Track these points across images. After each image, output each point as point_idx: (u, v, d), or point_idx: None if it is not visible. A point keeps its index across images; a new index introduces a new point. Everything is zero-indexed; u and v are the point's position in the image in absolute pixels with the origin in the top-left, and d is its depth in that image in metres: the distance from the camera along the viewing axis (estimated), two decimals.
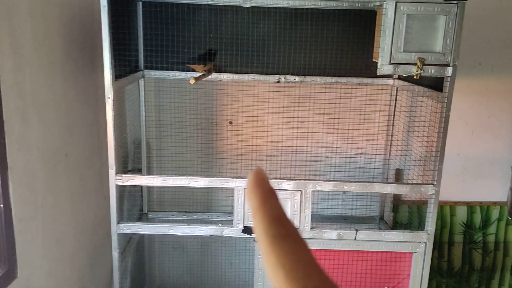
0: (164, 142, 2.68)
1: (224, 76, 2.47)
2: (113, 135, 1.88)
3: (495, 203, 2.86)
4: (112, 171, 1.93)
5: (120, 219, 2.04)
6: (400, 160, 2.69)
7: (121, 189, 2.18)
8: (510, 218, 2.16)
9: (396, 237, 2.05)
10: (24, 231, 1.57)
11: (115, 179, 1.94)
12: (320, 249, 2.09)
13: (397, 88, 2.56)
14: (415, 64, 1.86)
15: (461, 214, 2.88)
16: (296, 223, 2.03)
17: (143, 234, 2.74)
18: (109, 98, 1.87)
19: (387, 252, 2.09)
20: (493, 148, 2.81)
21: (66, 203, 1.89)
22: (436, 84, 2.01)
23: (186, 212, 2.72)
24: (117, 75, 1.95)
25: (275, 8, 2.39)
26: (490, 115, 2.77)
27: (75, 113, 1.98)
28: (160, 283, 2.89)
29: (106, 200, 2.31)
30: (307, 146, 2.69)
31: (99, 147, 2.25)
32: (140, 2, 2.36)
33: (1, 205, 1.45)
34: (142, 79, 2.48)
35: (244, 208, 2.02)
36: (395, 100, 2.59)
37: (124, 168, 2.52)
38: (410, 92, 2.40)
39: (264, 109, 2.64)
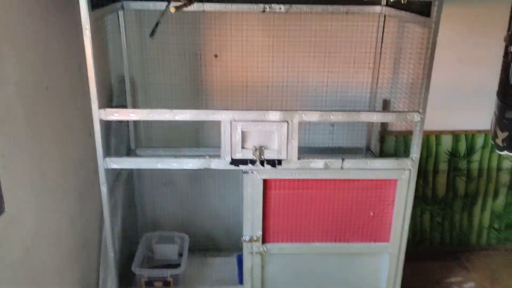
0: (149, 78, 2.62)
1: (207, 6, 2.37)
2: (93, 67, 1.83)
3: (479, 131, 2.90)
4: (95, 105, 1.90)
5: (107, 154, 2.03)
6: (388, 90, 2.68)
7: (107, 124, 2.16)
8: (493, 143, 2.20)
9: (381, 165, 2.09)
10: (8, 166, 1.56)
11: (99, 114, 1.91)
12: (308, 179, 2.13)
13: (385, 16, 2.50)
14: None
15: (446, 143, 2.92)
16: (284, 154, 2.05)
17: (132, 170, 2.76)
18: (86, 29, 1.79)
19: (372, 180, 2.13)
20: (479, 77, 2.80)
21: (49, 138, 1.87)
22: (423, 10, 1.96)
23: (174, 147, 2.72)
24: (94, 5, 1.86)
25: None
26: (477, 43, 2.73)
27: (53, 46, 1.91)
28: (152, 218, 2.95)
29: (91, 136, 2.30)
30: (294, 79, 2.65)
31: (82, 82, 2.19)
32: None
33: None
34: (122, 10, 2.38)
35: (231, 140, 2.02)
36: (383, 28, 2.53)
37: (108, 104, 2.49)
38: (398, 19, 2.34)
39: (251, 41, 2.57)
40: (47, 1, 1.86)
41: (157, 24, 1.96)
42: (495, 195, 3.08)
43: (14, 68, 1.59)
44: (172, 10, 1.84)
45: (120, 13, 2.39)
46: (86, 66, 1.86)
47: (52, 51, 1.90)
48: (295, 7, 2.40)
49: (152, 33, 1.94)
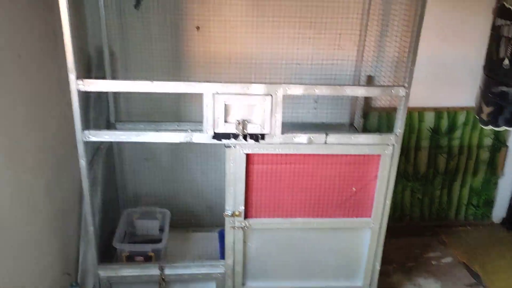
0: (129, 49, 2.54)
1: None
2: (69, 34, 1.75)
3: (462, 108, 2.91)
4: (72, 75, 1.83)
5: (86, 128, 1.97)
6: (372, 66, 2.66)
7: (85, 96, 2.09)
8: (477, 117, 2.20)
9: (365, 140, 2.08)
10: None
11: (76, 84, 1.84)
12: (291, 154, 2.11)
13: None
14: None
15: (429, 119, 2.93)
16: (267, 129, 2.02)
17: (112, 145, 2.70)
18: None
19: (356, 155, 2.13)
20: (463, 54, 2.80)
21: (24, 108, 1.79)
22: None
23: (155, 122, 2.66)
24: None
25: None
26: (462, 19, 2.71)
27: (26, 9, 1.81)
28: (134, 193, 2.91)
29: (69, 108, 2.23)
30: (278, 52, 2.60)
31: (56, 49, 2.10)
32: None
33: None
34: None
35: (214, 114, 1.98)
36: (369, 3, 2.49)
37: (87, 76, 2.40)
38: None
39: (233, 12, 2.50)
40: None
41: None
42: (475, 172, 3.13)
43: None
44: None
45: None
46: (62, 33, 1.77)
47: (24, 14, 1.80)
48: None
49: (137, 5, 1.86)
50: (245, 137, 2.03)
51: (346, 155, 2.13)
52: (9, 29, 1.68)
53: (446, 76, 2.83)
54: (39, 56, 1.93)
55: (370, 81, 2.71)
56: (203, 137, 2.02)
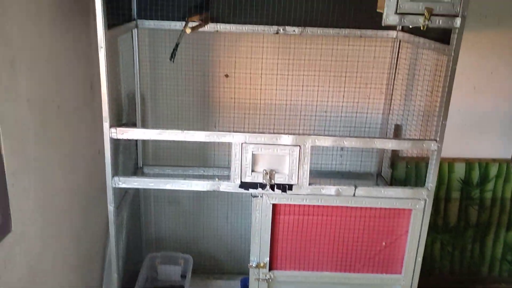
0: (159, 95, 2.60)
1: (221, 27, 2.36)
2: (106, 86, 1.81)
3: (494, 160, 2.85)
4: (106, 124, 1.87)
5: (115, 173, 2.00)
6: (400, 115, 2.64)
7: (116, 142, 2.13)
8: None
9: (395, 194, 2.04)
10: (17, 184, 1.53)
11: (110, 133, 1.89)
12: (318, 205, 2.08)
13: (400, 41, 2.48)
14: (423, 14, 1.77)
15: (460, 170, 2.87)
16: (295, 179, 2.01)
17: (138, 188, 2.73)
18: (101, 48, 1.78)
19: (386, 208, 2.08)
20: (495, 104, 2.76)
21: (58, 156, 1.84)
22: (441, 36, 1.93)
23: (181, 166, 2.69)
24: (110, 24, 1.85)
25: None
26: (493, 71, 2.70)
27: (66, 64, 1.90)
28: (156, 236, 2.90)
29: (100, 154, 2.27)
30: (306, 100, 2.63)
31: (92, 99, 2.18)
32: None
33: None
34: (136, 29, 2.37)
35: (242, 163, 1.98)
36: (398, 53, 2.51)
37: (118, 121, 2.46)
38: (414, 45, 2.32)
39: (262, 62, 2.55)
40: (62, 18, 1.85)
41: (176, 47, 1.94)
42: (509, 226, 3.01)
43: (27, 85, 1.58)
44: (188, 31, 1.82)
45: (134, 31, 2.38)
46: (98, 84, 1.84)
47: (65, 67, 1.88)
48: (309, 30, 2.38)
49: (172, 56, 1.93)
50: (272, 187, 2.02)
51: (375, 208, 2.09)
52: (52, 82, 1.75)
53: (477, 126, 2.79)
54: (76, 105, 1.99)
55: (398, 130, 2.68)
56: (230, 186, 2.02)
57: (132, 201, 2.61)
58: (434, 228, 2.98)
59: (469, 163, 2.85)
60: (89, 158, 2.18)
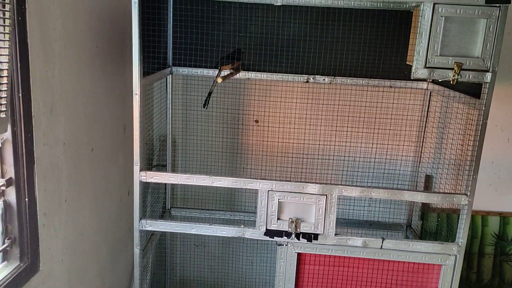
0: (190, 139, 2.66)
1: (252, 75, 2.43)
2: (139, 131, 1.87)
3: None
4: (136, 167, 1.92)
5: (143, 216, 2.03)
6: (431, 166, 2.60)
7: (145, 185, 2.18)
8: None
9: (424, 248, 1.98)
10: (48, 225, 1.58)
11: (140, 176, 1.93)
12: (344, 256, 2.04)
13: (430, 92, 2.47)
14: (452, 68, 1.78)
15: (494, 224, 2.76)
16: (320, 229, 1.98)
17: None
18: (136, 94, 1.86)
19: (414, 263, 2.02)
20: None
21: (89, 197, 1.90)
22: (473, 90, 1.92)
23: (209, 210, 2.71)
24: (145, 71, 1.94)
25: (306, 6, 2.33)
26: None
27: (102, 108, 1.98)
28: (181, 279, 2.89)
29: (129, 195, 2.32)
30: (333, 149, 2.63)
31: (125, 142, 2.26)
32: None
33: (26, 199, 1.46)
34: (170, 75, 2.47)
35: (267, 210, 1.98)
36: (428, 104, 2.50)
37: (149, 163, 2.53)
38: (445, 97, 2.31)
39: (291, 108, 2.59)
40: (101, 65, 1.96)
41: (209, 95, 2.01)
42: None
43: (64, 129, 1.65)
44: (219, 80, 1.89)
45: (169, 77, 2.48)
46: (131, 126, 1.91)
47: (100, 112, 1.97)
48: (339, 79, 2.41)
49: (206, 104, 2.00)
50: (297, 236, 2.00)
51: (404, 262, 2.02)
52: (87, 126, 1.83)
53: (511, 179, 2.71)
54: (108, 147, 2.07)
55: (428, 180, 2.63)
56: (255, 234, 2.01)
57: (158, 242, 2.62)
58: (467, 284, 2.85)
59: (503, 217, 2.75)
60: (119, 199, 2.23)
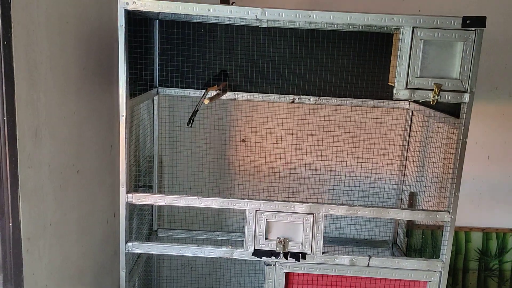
0: (177, 159, 2.67)
1: (239, 95, 2.46)
2: (125, 153, 1.87)
3: (511, 230, 2.79)
4: (123, 189, 1.92)
5: (129, 238, 2.02)
6: (414, 183, 2.64)
7: (132, 206, 2.17)
8: None
9: (410, 265, 2.00)
10: (32, 250, 1.56)
11: (126, 198, 1.93)
12: (332, 275, 2.05)
13: (412, 112, 2.53)
14: (432, 89, 1.83)
15: (477, 240, 2.81)
16: (308, 248, 1.99)
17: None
18: (123, 116, 1.86)
19: (401, 280, 2.04)
20: (510, 174, 2.75)
21: (74, 220, 1.88)
22: (452, 110, 1.97)
23: (196, 230, 2.69)
24: (132, 93, 1.95)
25: (291, 29, 2.38)
26: (506, 140, 2.71)
27: (88, 130, 1.98)
28: None
29: (115, 217, 2.31)
30: (319, 167, 2.66)
31: (111, 164, 2.25)
32: (157, 21, 2.37)
33: (10, 224, 1.45)
34: (157, 96, 2.48)
35: (255, 230, 1.99)
36: (410, 123, 2.56)
37: (135, 184, 2.52)
38: (426, 116, 2.36)
39: (277, 128, 2.62)
40: (87, 87, 1.96)
41: (194, 113, 2.03)
42: None
43: (49, 152, 1.65)
44: (206, 101, 1.91)
45: (155, 98, 2.49)
46: (117, 147, 1.91)
47: (86, 134, 1.97)
48: (324, 99, 2.46)
49: (190, 122, 2.01)
50: (285, 256, 2.01)
51: (390, 280, 2.04)
52: (72, 148, 1.83)
53: (493, 195, 2.76)
54: (95, 169, 2.06)
55: (412, 198, 2.67)
56: (243, 254, 2.01)
57: (145, 264, 2.59)
58: None
59: (486, 233, 2.80)
60: (105, 221, 2.21)
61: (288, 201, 1.99)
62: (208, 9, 1.79)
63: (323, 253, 2.01)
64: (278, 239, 2.00)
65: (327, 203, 1.98)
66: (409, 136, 2.58)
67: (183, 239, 2.69)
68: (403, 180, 2.66)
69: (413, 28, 1.78)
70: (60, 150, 1.73)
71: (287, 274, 2.05)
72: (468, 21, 1.76)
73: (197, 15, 1.84)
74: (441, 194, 2.27)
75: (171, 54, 2.39)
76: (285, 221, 1.99)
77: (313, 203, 1.98)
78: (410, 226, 2.74)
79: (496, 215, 2.79)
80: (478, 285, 2.87)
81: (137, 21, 2.05)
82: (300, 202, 1.98)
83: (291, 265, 2.03)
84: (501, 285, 2.86)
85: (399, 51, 1.82)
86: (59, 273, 1.75)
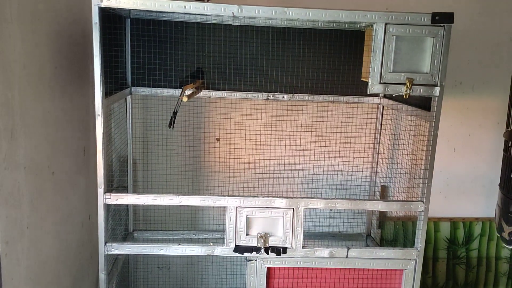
0: (151, 159, 2.64)
1: (213, 93, 2.46)
2: (102, 153, 1.84)
3: (477, 219, 2.92)
4: (101, 190, 1.88)
5: (108, 240, 1.98)
6: (385, 176, 2.72)
7: (107, 207, 2.13)
8: (499, 235, 2.20)
9: (387, 255, 2.06)
10: (10, 254, 1.50)
11: (104, 198, 1.89)
12: (312, 268, 2.08)
13: (383, 107, 2.61)
14: (404, 84, 1.90)
15: (445, 230, 2.93)
16: (289, 242, 2.02)
17: (128, 254, 2.68)
18: (99, 115, 1.83)
19: (378, 269, 2.10)
20: (474, 165, 2.88)
21: (51, 223, 1.83)
22: (422, 103, 2.06)
23: (172, 230, 2.67)
24: (106, 92, 1.92)
25: (264, 27, 2.40)
26: (470, 133, 2.84)
27: (62, 130, 1.93)
28: None
29: (90, 219, 2.26)
30: (294, 163, 2.69)
31: (85, 165, 2.20)
32: (129, 19, 2.34)
33: None
34: (130, 95, 2.45)
35: (236, 227, 2.00)
36: (381, 118, 2.63)
37: (109, 185, 2.47)
38: (396, 110, 2.45)
39: (252, 126, 2.63)
40: (62, 86, 1.91)
41: (174, 115, 2.01)
42: (495, 284, 3.04)
43: (25, 153, 1.60)
44: (185, 99, 1.90)
45: (128, 98, 2.45)
46: (91, 149, 1.87)
47: (61, 134, 1.92)
48: (298, 96, 2.49)
49: (171, 124, 2.00)
50: (266, 251, 2.03)
51: (368, 270, 2.10)
52: (47, 149, 1.78)
53: (459, 186, 2.89)
54: (70, 171, 2.01)
55: (384, 191, 2.75)
56: (225, 250, 2.02)
57: (122, 266, 2.55)
58: None
59: (453, 222, 2.92)
60: (80, 224, 2.16)
61: (268, 196, 2.01)
62: (185, 6, 1.79)
63: (303, 246, 2.04)
64: (259, 235, 2.01)
65: (306, 197, 2.01)
66: (380, 130, 2.66)
67: (160, 239, 2.66)
68: (376, 174, 2.74)
69: (386, 24, 1.84)
70: (35, 151, 1.68)
71: (268, 268, 2.07)
72: (437, 17, 1.84)
73: (173, 12, 1.83)
74: (411, 185, 2.35)
75: (143, 52, 2.36)
76: (266, 216, 2.01)
77: (292, 197, 2.01)
78: (382, 218, 2.82)
79: (462, 205, 2.92)
80: (447, 273, 2.99)
81: (110, 18, 2.02)
82: (280, 197, 2.00)
83: (272, 260, 2.05)
84: (468, 272, 3.00)
85: (372, 47, 1.87)
86: (37, 277, 1.69)
